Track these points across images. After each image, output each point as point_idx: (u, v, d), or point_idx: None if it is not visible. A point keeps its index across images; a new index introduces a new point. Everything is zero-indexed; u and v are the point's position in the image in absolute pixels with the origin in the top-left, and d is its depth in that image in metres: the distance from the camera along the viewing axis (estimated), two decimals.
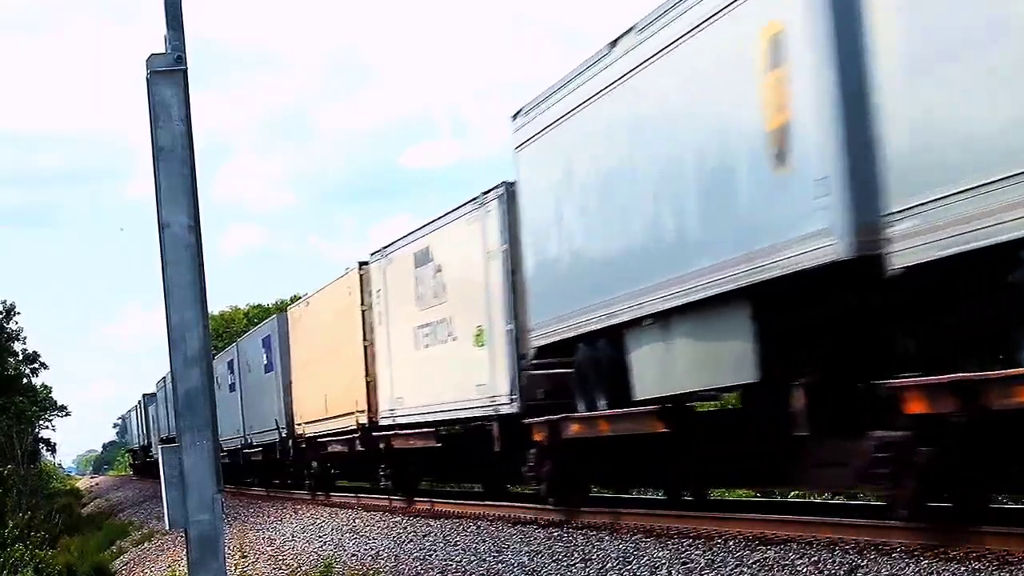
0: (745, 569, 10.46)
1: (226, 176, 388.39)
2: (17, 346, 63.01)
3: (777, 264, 10.94)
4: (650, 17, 12.73)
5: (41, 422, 70.58)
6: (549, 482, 16.30)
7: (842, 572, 9.52)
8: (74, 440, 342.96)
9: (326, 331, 26.33)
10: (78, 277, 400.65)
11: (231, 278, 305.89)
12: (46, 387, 72.36)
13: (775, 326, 11.67)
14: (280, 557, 18.32)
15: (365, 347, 23.22)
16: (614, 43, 13.60)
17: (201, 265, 5.76)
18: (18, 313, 61.71)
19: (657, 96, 12.92)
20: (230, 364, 39.53)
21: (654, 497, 17.67)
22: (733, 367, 11.99)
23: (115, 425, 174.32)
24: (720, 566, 10.76)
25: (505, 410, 16.95)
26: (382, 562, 15.18)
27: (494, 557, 13.81)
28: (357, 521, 20.93)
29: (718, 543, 11.82)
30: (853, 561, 9.73)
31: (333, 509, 24.63)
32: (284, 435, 30.38)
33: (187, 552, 5.74)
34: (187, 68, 5.76)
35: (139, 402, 73.70)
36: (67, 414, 79.16)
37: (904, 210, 9.24)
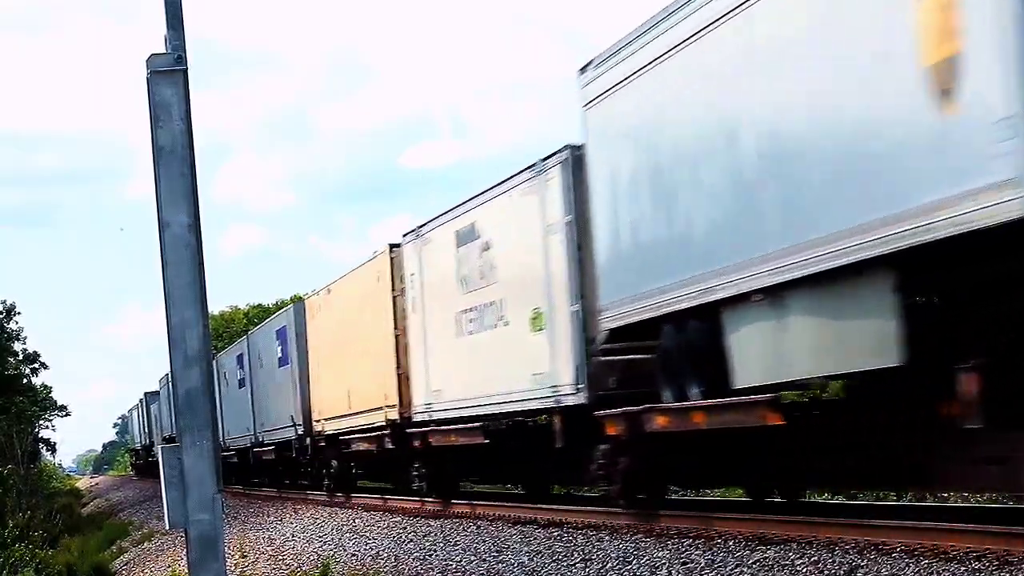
0: (745, 569, 10.25)
1: (226, 176, 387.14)
2: (17, 346, 61.91)
3: (937, 225, 8.81)
4: None
5: (41, 422, 69.03)
6: (624, 482, 14.04)
7: (842, 572, 9.34)
8: (74, 440, 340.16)
9: (350, 320, 23.88)
10: (78, 277, 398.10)
11: (231, 278, 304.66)
12: (46, 387, 70.74)
13: (927, 299, 9.83)
14: (280, 557, 17.89)
15: (396, 336, 20.85)
16: None
17: (201, 265, 5.67)
18: (18, 313, 60.73)
19: (774, 31, 10.82)
20: (239, 359, 37.00)
21: (737, 499, 15.41)
22: (870, 349, 9.91)
23: (115, 425, 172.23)
24: (720, 566, 10.54)
25: (569, 401, 14.70)
26: (382, 562, 14.81)
27: (494, 557, 13.47)
28: (357, 521, 20.41)
29: (718, 543, 11.57)
30: (853, 561, 9.55)
31: (333, 509, 23.94)
32: (301, 433, 27.93)
33: (187, 552, 5.67)
34: (187, 68, 5.66)
35: (141, 400, 71.41)
36: (67, 414, 77.27)
37: None
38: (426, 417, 19.35)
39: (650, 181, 12.92)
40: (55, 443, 77.55)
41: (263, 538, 21.22)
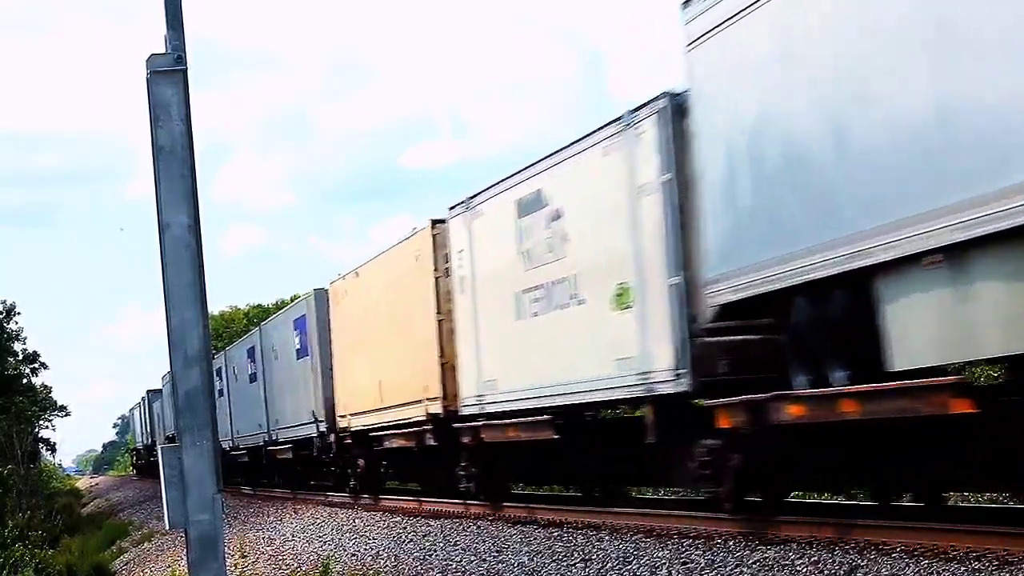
0: (745, 569, 10.05)
1: (226, 176, 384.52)
2: (17, 346, 60.45)
3: None
4: None
5: (41, 422, 67.19)
6: (735, 482, 11.67)
7: (842, 572, 9.16)
8: (74, 440, 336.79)
9: (382, 305, 21.23)
10: (78, 277, 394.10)
11: (231, 278, 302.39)
12: (46, 387, 68.42)
13: None
14: (280, 557, 17.46)
15: (439, 322, 18.32)
16: None
17: (201, 265, 5.59)
18: (18, 313, 59.21)
19: None
20: (250, 352, 34.17)
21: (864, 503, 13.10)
22: None
23: (115, 425, 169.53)
24: (720, 566, 10.32)
25: (666, 389, 12.32)
26: (382, 562, 14.51)
27: (494, 557, 13.18)
28: (357, 521, 19.90)
29: (718, 543, 11.33)
30: (853, 561, 9.37)
31: (333, 509, 23.06)
32: (323, 430, 25.27)
33: (187, 552, 5.62)
34: (187, 68, 5.58)
35: (143, 398, 68.86)
36: (67, 414, 74.73)
37: None
38: (476, 410, 16.86)
39: (782, 127, 10.53)
40: (55, 443, 76.35)
41: (263, 538, 20.52)
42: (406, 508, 20.49)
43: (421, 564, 13.68)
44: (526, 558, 12.62)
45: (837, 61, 9.74)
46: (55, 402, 71.07)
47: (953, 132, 8.66)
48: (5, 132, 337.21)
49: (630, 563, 11.21)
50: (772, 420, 10.81)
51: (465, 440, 17.38)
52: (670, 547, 11.51)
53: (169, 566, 20.26)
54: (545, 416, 14.77)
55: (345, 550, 16.31)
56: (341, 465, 24.79)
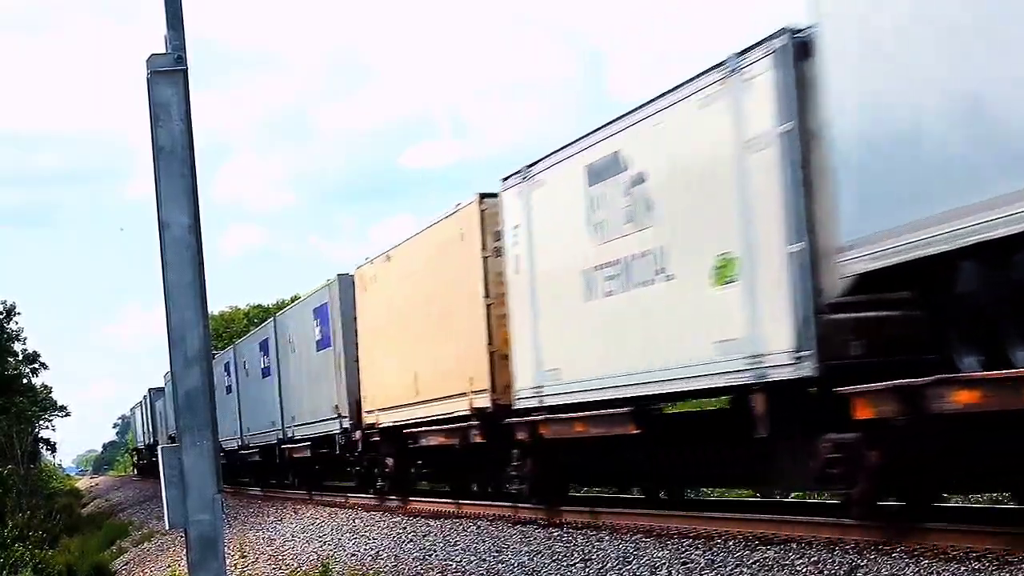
0: (745, 569, 9.86)
1: (226, 176, 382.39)
2: (17, 346, 60.04)
3: None
4: None
5: (41, 422, 66.14)
6: (872, 484, 9.71)
7: (842, 572, 8.94)
8: (74, 440, 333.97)
9: (419, 290, 19.08)
10: (78, 277, 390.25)
11: (231, 278, 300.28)
12: (46, 387, 67.63)
13: None
14: (280, 557, 17.25)
15: (487, 307, 16.29)
16: None
17: (201, 265, 5.52)
18: (18, 313, 58.77)
19: None
20: (263, 345, 31.73)
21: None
22: None
23: (115, 425, 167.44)
24: (720, 566, 10.15)
25: (783, 375, 10.37)
26: (382, 562, 14.30)
27: (494, 557, 12.97)
28: (357, 521, 19.58)
29: (718, 543, 11.15)
30: (853, 561, 9.13)
31: (333, 509, 22.62)
32: (347, 426, 23.09)
33: (187, 552, 5.56)
34: (187, 68, 5.51)
35: (145, 397, 66.75)
36: (67, 414, 73.59)
37: None
38: (535, 403, 14.82)
39: (948, 59, 8.53)
40: (55, 443, 75.51)
41: (263, 538, 20.20)
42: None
43: (421, 564, 13.40)
44: (526, 558, 12.36)
45: None
46: (55, 402, 70.44)
47: None
48: (5, 132, 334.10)
49: (630, 563, 10.98)
50: (933, 409, 8.82)
51: (520, 437, 15.31)
52: (670, 547, 11.28)
53: (169, 566, 19.91)
54: (624, 409, 12.75)
55: (345, 550, 15.98)
56: (366, 465, 22.57)
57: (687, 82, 11.72)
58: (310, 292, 26.41)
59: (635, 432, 12.61)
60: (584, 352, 13.68)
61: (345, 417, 23.18)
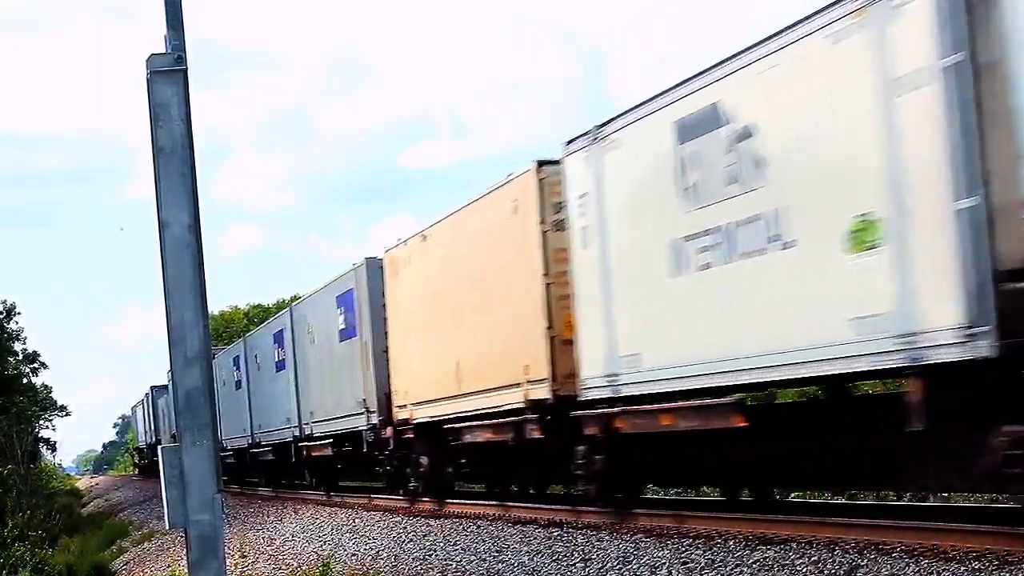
0: (745, 569, 9.66)
1: (226, 176, 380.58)
2: (17, 346, 58.55)
3: None
4: None
5: (41, 422, 65.27)
6: None
7: (842, 572, 8.79)
8: (74, 440, 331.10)
9: (462, 271, 17.07)
10: (78, 277, 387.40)
11: (231, 278, 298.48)
12: (46, 387, 66.89)
13: None
14: (280, 557, 17.01)
15: (547, 286, 14.36)
16: None
17: (201, 265, 5.44)
18: (18, 313, 57.13)
19: None
20: (278, 336, 29.48)
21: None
22: None
23: (115, 425, 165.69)
24: (720, 566, 9.91)
25: (947, 355, 8.53)
26: (382, 562, 14.12)
27: (494, 557, 12.76)
28: (357, 521, 19.28)
29: (718, 543, 10.85)
30: (853, 561, 8.99)
31: (333, 509, 22.10)
32: (376, 422, 21.05)
33: (187, 552, 5.47)
34: (187, 68, 5.43)
35: (146, 395, 64.91)
36: (67, 414, 72.40)
37: None
38: (608, 393, 12.88)
39: None
40: (55, 443, 74.31)
41: (263, 538, 19.86)
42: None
43: (421, 564, 13.25)
44: (526, 558, 12.21)
45: None
46: (55, 402, 69.79)
47: None
48: (5, 132, 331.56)
49: (630, 563, 10.83)
50: None
51: (589, 431, 13.37)
52: (670, 547, 11.11)
53: (169, 566, 19.58)
54: (728, 399, 10.83)
55: (345, 550, 15.78)
56: (397, 464, 20.50)
57: (817, 14, 9.82)
58: (333, 279, 24.16)
59: (742, 426, 10.68)
60: (671, 334, 11.76)
61: (373, 412, 21.14)
